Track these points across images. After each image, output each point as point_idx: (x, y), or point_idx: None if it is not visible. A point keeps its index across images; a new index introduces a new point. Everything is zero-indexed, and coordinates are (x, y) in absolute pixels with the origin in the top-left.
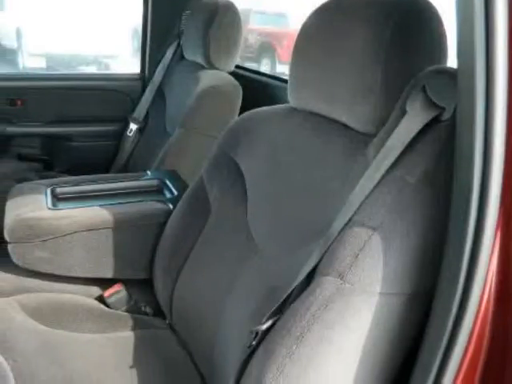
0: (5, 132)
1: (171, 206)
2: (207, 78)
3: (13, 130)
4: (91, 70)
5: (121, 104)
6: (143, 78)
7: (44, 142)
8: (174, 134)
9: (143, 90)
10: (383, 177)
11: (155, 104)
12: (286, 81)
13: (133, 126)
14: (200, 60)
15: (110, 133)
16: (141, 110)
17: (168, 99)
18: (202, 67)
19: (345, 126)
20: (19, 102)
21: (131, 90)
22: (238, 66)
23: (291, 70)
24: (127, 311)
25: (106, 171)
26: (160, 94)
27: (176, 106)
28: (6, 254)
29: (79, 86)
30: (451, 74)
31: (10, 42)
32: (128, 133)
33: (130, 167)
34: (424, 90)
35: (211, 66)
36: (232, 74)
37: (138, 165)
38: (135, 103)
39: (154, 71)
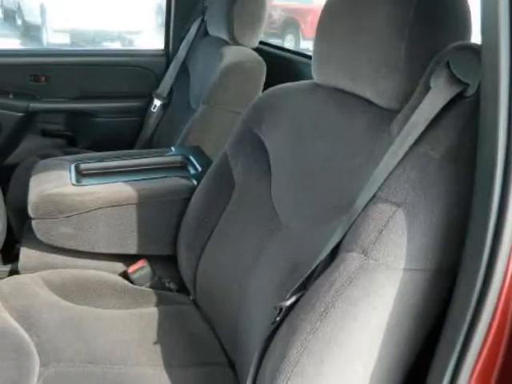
0: (29, 108)
1: (195, 182)
2: (231, 54)
3: (37, 106)
4: (115, 46)
5: (145, 80)
6: (167, 54)
7: (68, 118)
8: (198, 110)
9: (167, 66)
10: (407, 153)
11: (179, 80)
12: (309, 57)
13: (157, 102)
14: (224, 36)
15: (134, 109)
16: (165, 86)
17: (192, 75)
18: (226, 43)
19: (369, 102)
20: (43, 78)
21: (155, 66)
22: (261, 42)
23: (315, 46)
24: (151, 287)
25: (130, 147)
26: (184, 70)
27: (200, 82)
28: (31, 230)
29: (103, 62)
30: (475, 50)
31: (34, 19)
32: (152, 109)
33: (154, 143)
34: (448, 66)
35: (235, 42)
36: (256, 50)
37: (162, 141)
38: (159, 79)
39: (178, 47)
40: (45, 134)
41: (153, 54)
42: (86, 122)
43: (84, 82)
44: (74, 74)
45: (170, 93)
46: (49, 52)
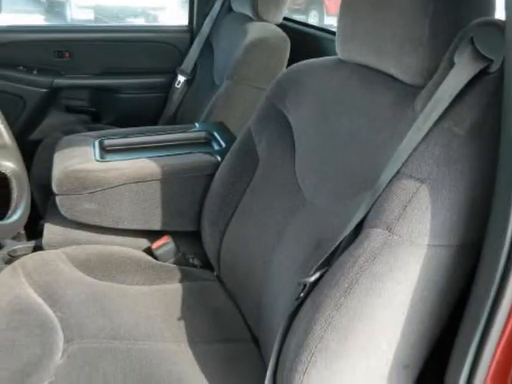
0: (53, 84)
1: (219, 158)
2: (255, 30)
3: (61, 81)
4: (139, 22)
5: (169, 56)
6: (191, 30)
7: (92, 94)
8: (221, 86)
9: (191, 42)
10: (431, 129)
11: (203, 56)
12: (333, 33)
13: (181, 78)
14: (248, 12)
15: (158, 85)
16: (189, 62)
17: (216, 51)
18: (250, 19)
19: (393, 78)
20: (67, 54)
21: (179, 42)
22: (285, 18)
23: (339, 22)
24: (175, 263)
25: (154, 123)
26: (208, 45)
27: (224, 58)
28: (55, 207)
29: (127, 38)
30: (499, 26)
31: None
32: (176, 85)
33: (178, 119)
34: (472, 41)
35: (259, 18)
36: (280, 26)
37: (186, 117)
38: (183, 55)
39: (202, 23)
40: (69, 109)
41: (177, 30)
42: (110, 98)
43: (108, 57)
44: (98, 49)
45: (194, 69)
46: (73, 28)
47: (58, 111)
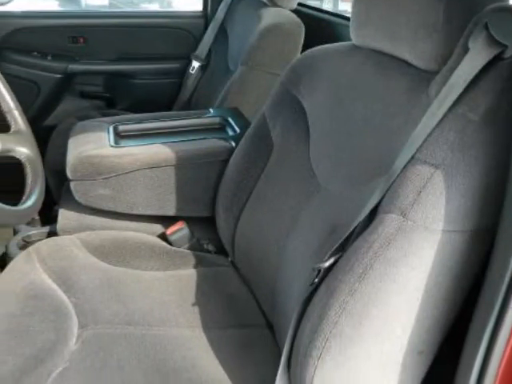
0: (67, 70)
1: (233, 144)
2: (270, 15)
3: (75, 67)
4: (154, 7)
5: (183, 42)
6: (206, 16)
7: (106, 80)
8: (236, 72)
9: (205, 28)
10: (445, 114)
11: (217, 42)
12: (348, 19)
13: (195, 64)
14: None
15: (173, 70)
16: (203, 47)
17: (230, 37)
18: (265, 5)
19: (407, 63)
20: (81, 40)
21: (194, 28)
22: (300, 4)
23: (353, 7)
24: (189, 249)
25: (169, 109)
26: (222, 31)
27: (238, 44)
28: (69, 192)
29: (141, 23)
30: None
31: None
32: (190, 70)
33: (193, 105)
34: (486, 27)
35: (273, 4)
36: (294, 11)
37: (201, 102)
38: (197, 41)
39: (217, 9)
40: (83, 95)
41: (191, 16)
42: (125, 84)
43: (122, 43)
44: (113, 35)
45: (209, 54)
46: (87, 14)
47: (72, 97)
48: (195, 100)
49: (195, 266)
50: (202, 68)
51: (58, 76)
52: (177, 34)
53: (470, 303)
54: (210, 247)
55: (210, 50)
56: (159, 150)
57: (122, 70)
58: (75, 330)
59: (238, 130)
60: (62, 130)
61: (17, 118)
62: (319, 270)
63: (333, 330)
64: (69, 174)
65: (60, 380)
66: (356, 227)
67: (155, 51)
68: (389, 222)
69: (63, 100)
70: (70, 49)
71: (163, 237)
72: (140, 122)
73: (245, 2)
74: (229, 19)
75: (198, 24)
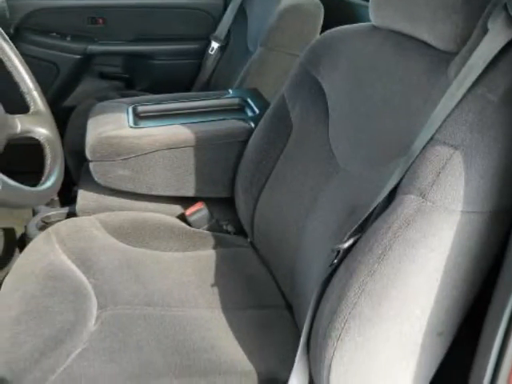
0: (86, 50)
1: (253, 125)
2: None
3: (94, 48)
4: None
5: (202, 22)
6: None
7: (125, 61)
8: (255, 53)
9: (225, 8)
10: (465, 95)
11: (237, 22)
12: None
13: (214, 45)
14: None
15: (192, 51)
16: (222, 28)
17: (250, 17)
18: None
19: (426, 44)
20: (101, 21)
21: (213, 8)
22: None
23: None
24: (209, 230)
25: (188, 90)
26: (242, 12)
27: (258, 25)
28: (88, 173)
29: (161, 4)
30: None
31: None
32: (209, 51)
33: (212, 86)
34: (505, 8)
35: None
36: None
37: (220, 83)
38: (217, 21)
39: None
40: (102, 76)
41: None
42: (144, 65)
43: (142, 24)
44: (132, 16)
45: (228, 35)
46: None
47: (91, 77)
48: (214, 81)
49: (214, 247)
50: (221, 49)
51: (77, 57)
52: (196, 15)
53: (489, 284)
54: (229, 228)
55: (229, 31)
56: (178, 131)
57: (140, 50)
58: (94, 310)
59: (257, 110)
60: (81, 110)
61: (36, 98)
62: (338, 251)
63: (352, 311)
64: (88, 154)
65: (79, 361)
66: (375, 208)
67: (174, 32)
68: (408, 203)
69: (82, 81)
70: (89, 30)
71: (182, 218)
72: (159, 102)
73: None
74: (248, 0)
75: (217, 4)
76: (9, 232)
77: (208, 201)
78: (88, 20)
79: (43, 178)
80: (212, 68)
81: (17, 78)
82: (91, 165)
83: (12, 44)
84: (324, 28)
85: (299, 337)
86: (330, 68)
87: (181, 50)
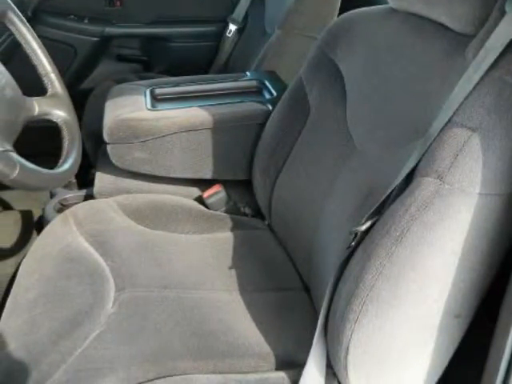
0: (104, 33)
1: (270, 107)
2: None
3: (112, 30)
4: None
5: (220, 5)
6: None
7: (143, 43)
8: (273, 35)
9: None
10: (482, 78)
11: (254, 5)
12: None
13: (232, 27)
14: None
15: (209, 33)
16: (240, 10)
17: (267, 0)
18: None
19: (444, 26)
20: (118, 3)
21: None
22: None
23: None
24: (226, 212)
25: (205, 72)
26: None
27: (275, 7)
28: (106, 156)
29: None
30: None
31: None
32: (227, 34)
33: (229, 68)
34: None
35: None
36: None
37: (237, 66)
38: (234, 4)
39: None
40: (120, 58)
41: None
42: (161, 47)
43: (159, 6)
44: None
45: (245, 18)
46: None
47: (109, 60)
48: (232, 63)
49: (232, 229)
50: (239, 31)
51: (95, 39)
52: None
53: (506, 266)
54: (247, 210)
55: (246, 13)
56: (196, 113)
57: (158, 33)
58: (112, 293)
59: (274, 93)
60: (98, 93)
61: (54, 81)
62: (356, 234)
63: (370, 294)
64: (106, 137)
65: (97, 343)
66: (393, 190)
67: (192, 14)
68: (425, 185)
69: (100, 63)
70: (107, 12)
71: (200, 200)
72: (177, 85)
73: None
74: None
75: None
76: (26, 214)
77: (226, 183)
78: (106, 2)
79: (61, 161)
80: (229, 50)
81: (34, 61)
82: (109, 147)
83: (30, 27)
84: (342, 10)
85: (317, 319)
86: (347, 50)
87: (198, 33)
